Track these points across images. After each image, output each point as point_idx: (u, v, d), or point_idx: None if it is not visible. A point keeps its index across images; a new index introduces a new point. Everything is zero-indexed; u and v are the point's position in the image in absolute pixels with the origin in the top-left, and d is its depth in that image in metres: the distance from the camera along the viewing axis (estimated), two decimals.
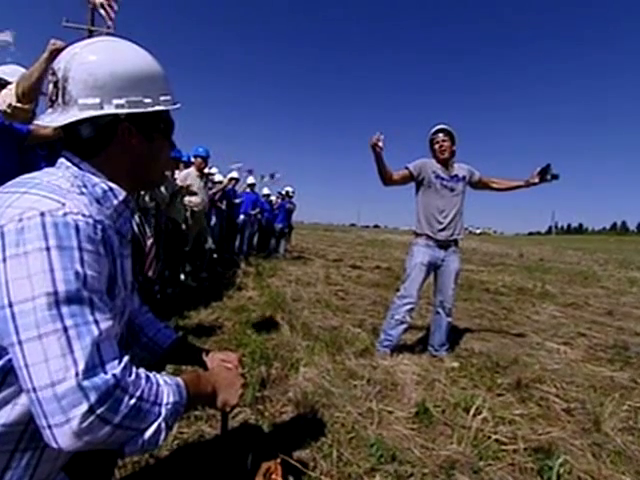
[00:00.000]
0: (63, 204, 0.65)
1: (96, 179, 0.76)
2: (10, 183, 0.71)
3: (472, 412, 1.95)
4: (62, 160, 0.77)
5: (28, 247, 0.60)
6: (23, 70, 2.35)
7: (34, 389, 0.57)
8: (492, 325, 4.15)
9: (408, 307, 2.82)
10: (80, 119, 0.74)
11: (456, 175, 2.89)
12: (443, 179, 2.84)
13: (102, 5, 2.66)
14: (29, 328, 0.57)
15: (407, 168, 2.87)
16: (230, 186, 7.69)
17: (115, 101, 0.75)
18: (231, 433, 1.70)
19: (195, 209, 5.15)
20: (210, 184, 6.38)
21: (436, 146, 2.86)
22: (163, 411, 0.66)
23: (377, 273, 7.93)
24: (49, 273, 0.59)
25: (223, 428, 1.06)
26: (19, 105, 1.94)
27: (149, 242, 3.68)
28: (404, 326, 2.86)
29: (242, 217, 8.41)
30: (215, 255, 7.02)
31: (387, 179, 2.77)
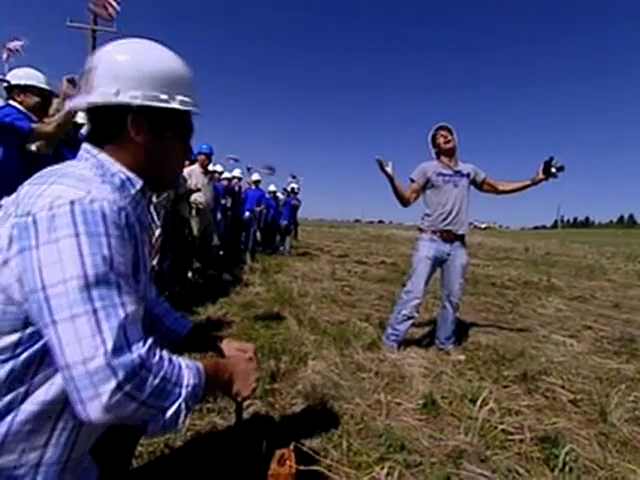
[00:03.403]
0: (89, 192, 0.69)
1: (114, 169, 0.80)
2: (37, 175, 0.75)
3: (479, 403, 1.98)
4: (81, 153, 0.82)
5: (59, 234, 0.64)
6: (36, 72, 2.41)
7: (67, 366, 0.61)
8: (498, 319, 4.17)
9: (415, 302, 2.84)
10: (98, 105, 0.79)
11: (460, 171, 2.92)
12: (445, 175, 2.88)
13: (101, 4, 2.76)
14: (62, 310, 0.62)
15: (413, 180, 2.94)
16: (235, 185, 7.73)
17: (131, 92, 0.79)
18: (245, 423, 1.74)
19: (200, 206, 5.18)
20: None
21: (440, 139, 2.89)
22: (183, 392, 0.70)
23: (382, 268, 7.95)
24: (79, 258, 0.63)
25: (238, 417, 1.09)
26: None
27: (157, 232, 3.72)
28: (411, 321, 2.89)
29: (247, 214, 8.45)
30: (221, 252, 7.07)
31: (405, 201, 2.89)
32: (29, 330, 0.67)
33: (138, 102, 0.79)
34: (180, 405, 0.70)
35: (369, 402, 2.04)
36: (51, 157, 2.61)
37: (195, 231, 5.08)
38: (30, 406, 0.68)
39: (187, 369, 0.73)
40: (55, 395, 0.69)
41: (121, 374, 0.61)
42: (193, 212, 5.05)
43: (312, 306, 4.10)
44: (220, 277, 5.66)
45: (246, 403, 1.72)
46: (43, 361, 0.69)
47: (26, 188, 0.72)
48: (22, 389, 0.68)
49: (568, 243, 24.29)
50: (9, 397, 0.67)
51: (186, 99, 0.86)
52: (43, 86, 2.46)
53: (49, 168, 0.76)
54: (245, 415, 1.81)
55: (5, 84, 2.43)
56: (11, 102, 2.39)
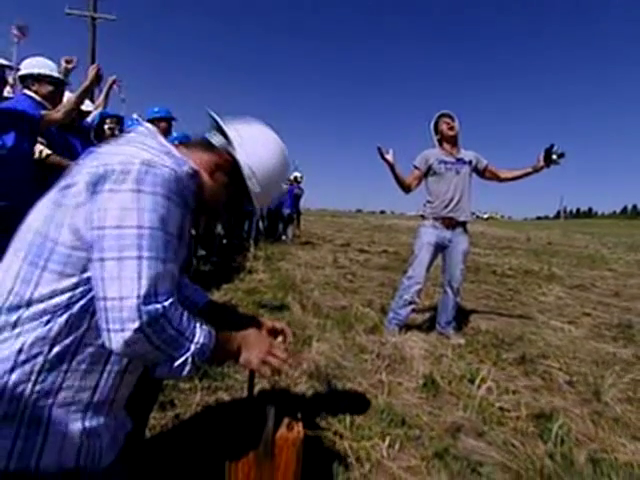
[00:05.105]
0: (157, 157, 0.80)
1: (169, 149, 0.88)
2: (113, 140, 0.90)
3: (477, 383, 2.05)
4: (144, 129, 0.93)
5: (127, 186, 0.75)
6: (47, 62, 2.47)
7: (105, 298, 0.72)
8: (498, 305, 4.23)
9: (416, 287, 2.90)
10: (222, 129, 0.98)
11: (462, 158, 2.95)
12: (447, 163, 2.91)
13: None
14: (112, 250, 0.72)
15: (416, 167, 2.97)
16: None
17: (244, 152, 0.96)
18: (253, 397, 1.81)
19: None
20: None
21: (444, 126, 2.93)
22: (192, 347, 0.79)
23: (384, 257, 8.00)
24: (138, 211, 0.73)
25: (250, 388, 1.16)
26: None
27: None
28: (412, 306, 2.95)
29: None
30: (224, 240, 7.14)
31: (406, 187, 2.92)
32: (86, 275, 0.76)
33: (238, 157, 0.95)
34: (187, 358, 0.78)
35: (371, 381, 2.11)
36: (61, 145, 2.67)
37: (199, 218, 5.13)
38: (87, 348, 0.78)
39: (200, 329, 0.82)
40: None
41: (145, 318, 0.71)
42: None
43: (315, 292, 4.17)
44: (224, 265, 5.72)
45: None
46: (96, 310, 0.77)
47: (105, 147, 0.86)
48: (79, 333, 0.77)
49: (570, 233, 24.24)
50: (69, 340, 0.76)
51: (258, 193, 0.98)
52: (55, 74, 2.51)
53: (123, 136, 0.91)
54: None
55: (19, 73, 2.49)
56: (26, 91, 2.46)
